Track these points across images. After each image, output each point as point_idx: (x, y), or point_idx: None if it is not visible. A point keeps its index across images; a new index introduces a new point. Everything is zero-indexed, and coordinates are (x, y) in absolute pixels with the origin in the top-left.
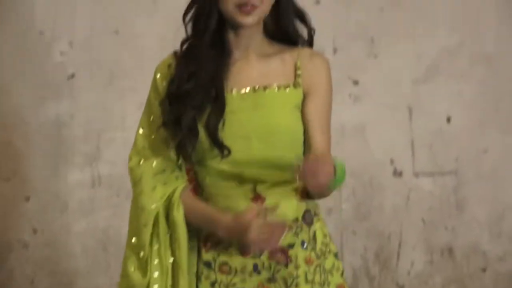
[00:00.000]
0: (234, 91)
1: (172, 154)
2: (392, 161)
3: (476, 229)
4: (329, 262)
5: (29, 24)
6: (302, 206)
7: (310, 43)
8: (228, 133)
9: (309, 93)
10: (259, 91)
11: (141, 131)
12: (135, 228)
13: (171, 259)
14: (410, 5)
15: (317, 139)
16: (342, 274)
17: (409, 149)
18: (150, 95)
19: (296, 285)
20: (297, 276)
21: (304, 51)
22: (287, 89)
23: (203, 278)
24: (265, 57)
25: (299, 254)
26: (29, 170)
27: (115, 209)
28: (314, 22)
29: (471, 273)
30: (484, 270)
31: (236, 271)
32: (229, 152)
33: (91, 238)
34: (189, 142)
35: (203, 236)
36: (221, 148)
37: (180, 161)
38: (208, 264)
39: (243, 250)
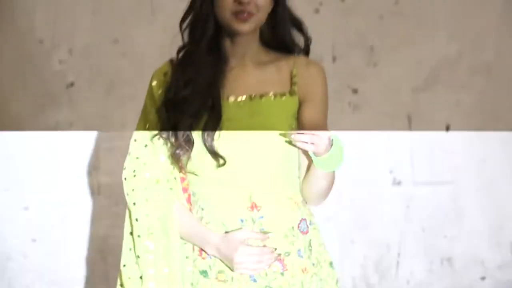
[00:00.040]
0: (231, 99)
1: (167, 162)
2: (391, 170)
3: (475, 238)
4: (324, 271)
5: (29, 32)
6: (298, 214)
7: (306, 51)
8: (224, 142)
9: (305, 100)
10: (255, 99)
11: (136, 140)
12: (129, 238)
13: (166, 269)
14: (410, 13)
15: None
16: (336, 282)
17: (408, 158)
18: (146, 103)
19: None
20: (294, 285)
21: (300, 59)
22: (283, 97)
23: None
24: (261, 65)
25: (295, 262)
26: (27, 179)
27: (114, 218)
28: (313, 30)
29: (471, 282)
30: (483, 279)
31: (232, 279)
32: (225, 161)
33: (90, 247)
34: (185, 150)
35: None
36: (217, 157)
37: (175, 170)
38: (204, 273)
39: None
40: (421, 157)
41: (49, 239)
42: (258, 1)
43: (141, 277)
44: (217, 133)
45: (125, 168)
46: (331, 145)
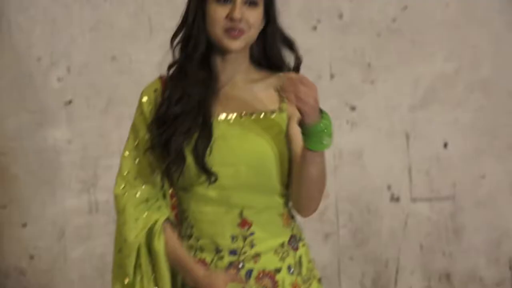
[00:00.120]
0: (221, 117)
1: (157, 179)
2: (389, 187)
3: (473, 255)
4: (313, 287)
5: (27, 50)
6: (288, 231)
7: (297, 71)
8: (216, 159)
9: (294, 114)
10: (246, 117)
11: (126, 155)
12: (118, 258)
13: None
14: (407, 31)
15: None
16: None
17: (406, 174)
18: (136, 119)
19: None
20: None
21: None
22: (273, 115)
23: None
24: (251, 82)
25: (286, 279)
26: (26, 196)
27: (112, 236)
28: (311, 47)
29: None
30: None
31: None
32: (216, 178)
33: (88, 264)
34: (177, 167)
35: None
36: (209, 174)
37: (165, 187)
38: None
39: None
40: (419, 173)
41: (47, 256)
42: (250, 18)
43: None
44: (208, 150)
45: (116, 183)
46: (321, 116)
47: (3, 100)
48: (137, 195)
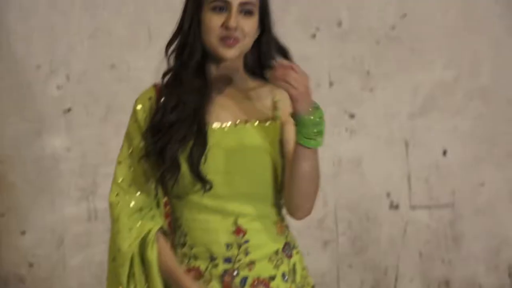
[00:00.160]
0: (216, 125)
1: (152, 187)
2: (388, 194)
3: (472, 262)
4: None
5: (26, 57)
6: (282, 238)
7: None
8: (210, 167)
9: (287, 121)
10: (240, 125)
11: (120, 163)
12: (112, 267)
13: None
14: (406, 38)
15: None
16: None
17: (405, 182)
18: (130, 127)
19: None
20: None
21: None
22: (267, 123)
23: None
24: (246, 91)
25: (280, 286)
26: (24, 204)
27: None
28: (310, 55)
29: None
30: None
31: None
32: (211, 186)
33: (87, 272)
34: (172, 174)
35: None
36: (204, 182)
37: (159, 195)
38: None
39: None
40: (418, 181)
41: (46, 264)
42: (245, 27)
43: None
44: (203, 158)
45: (111, 191)
46: (316, 112)
47: (2, 108)
48: (131, 204)
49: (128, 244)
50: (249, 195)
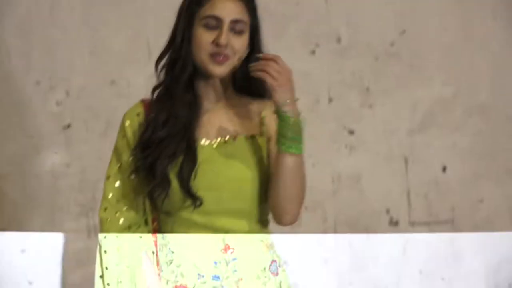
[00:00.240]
0: (205, 142)
1: (140, 204)
2: (388, 211)
3: (472, 280)
4: None
5: (25, 74)
6: (268, 256)
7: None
8: (201, 184)
9: (272, 135)
10: (229, 142)
11: (108, 179)
12: (100, 282)
13: None
14: (405, 55)
15: None
16: None
17: (405, 198)
18: (118, 143)
19: None
20: None
21: (270, 102)
22: (255, 139)
23: None
24: (234, 107)
25: None
26: (24, 220)
27: None
28: (310, 71)
29: None
30: None
31: None
32: (201, 202)
33: None
34: (162, 190)
35: None
36: (194, 198)
37: (147, 212)
38: None
39: None
40: (418, 197)
41: (45, 282)
42: (235, 45)
43: None
44: (193, 174)
45: (100, 206)
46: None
47: (1, 124)
48: (120, 222)
49: (115, 263)
50: (238, 212)
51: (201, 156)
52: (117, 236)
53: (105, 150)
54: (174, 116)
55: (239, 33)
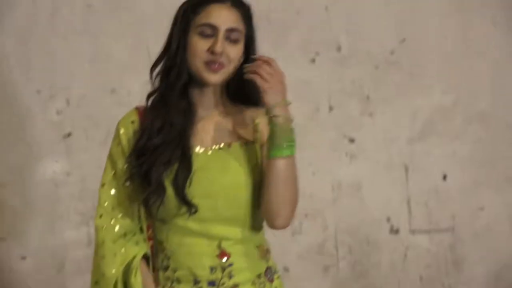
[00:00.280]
0: (199, 149)
1: (135, 211)
2: (388, 219)
3: (473, 287)
4: None
5: (26, 83)
6: (264, 262)
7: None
8: (196, 191)
9: (265, 142)
10: (224, 149)
11: (103, 186)
12: None
13: None
14: (405, 63)
15: None
16: None
17: (405, 206)
18: (112, 150)
19: None
20: None
21: (264, 109)
22: (249, 146)
23: None
24: (228, 115)
25: None
26: (25, 229)
27: None
28: (310, 80)
29: None
30: None
31: None
32: (196, 210)
33: None
34: (157, 197)
35: None
36: (189, 205)
37: (141, 219)
38: None
39: None
40: (418, 205)
41: None
42: (230, 53)
43: None
44: (188, 181)
45: (96, 214)
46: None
47: (2, 133)
48: (116, 229)
49: (112, 269)
50: (233, 219)
51: (196, 163)
52: (114, 243)
53: (106, 158)
54: (169, 123)
55: (234, 41)
